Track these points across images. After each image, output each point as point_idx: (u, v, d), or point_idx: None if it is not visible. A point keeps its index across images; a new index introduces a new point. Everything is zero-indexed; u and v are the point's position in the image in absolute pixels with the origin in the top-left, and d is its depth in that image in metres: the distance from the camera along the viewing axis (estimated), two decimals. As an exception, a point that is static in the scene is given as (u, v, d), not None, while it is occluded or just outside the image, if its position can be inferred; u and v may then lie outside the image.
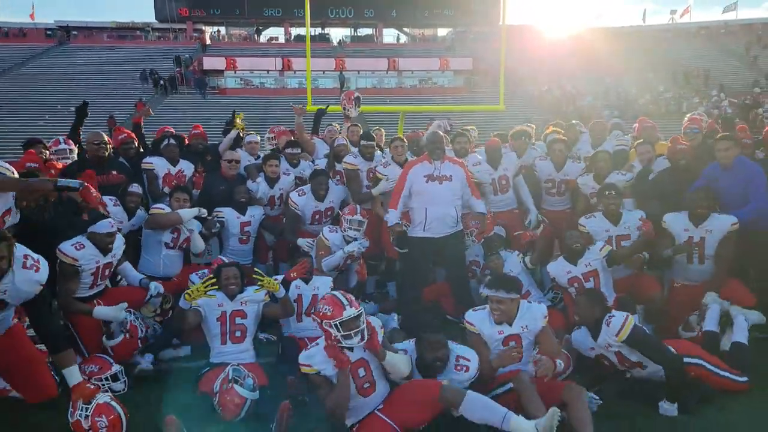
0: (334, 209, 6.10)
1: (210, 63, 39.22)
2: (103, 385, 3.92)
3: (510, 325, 3.85)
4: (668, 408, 3.69)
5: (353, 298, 3.42)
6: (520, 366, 3.81)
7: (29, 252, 3.26)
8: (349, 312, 3.29)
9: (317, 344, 3.46)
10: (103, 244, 4.41)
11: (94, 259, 4.39)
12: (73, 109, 6.35)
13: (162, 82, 34.97)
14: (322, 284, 4.91)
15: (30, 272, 3.19)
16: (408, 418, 3.35)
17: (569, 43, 43.04)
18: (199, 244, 5.36)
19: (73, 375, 3.36)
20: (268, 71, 39.49)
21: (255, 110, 30.88)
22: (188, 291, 4.02)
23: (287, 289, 4.55)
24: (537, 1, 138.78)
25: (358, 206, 5.62)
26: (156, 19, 46.92)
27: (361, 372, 3.46)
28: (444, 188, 5.23)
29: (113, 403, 3.39)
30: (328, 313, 3.31)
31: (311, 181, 6.03)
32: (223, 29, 49.19)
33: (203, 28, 47.97)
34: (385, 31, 49.64)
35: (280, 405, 3.52)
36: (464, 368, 3.60)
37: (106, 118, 25.75)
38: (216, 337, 4.22)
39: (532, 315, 3.89)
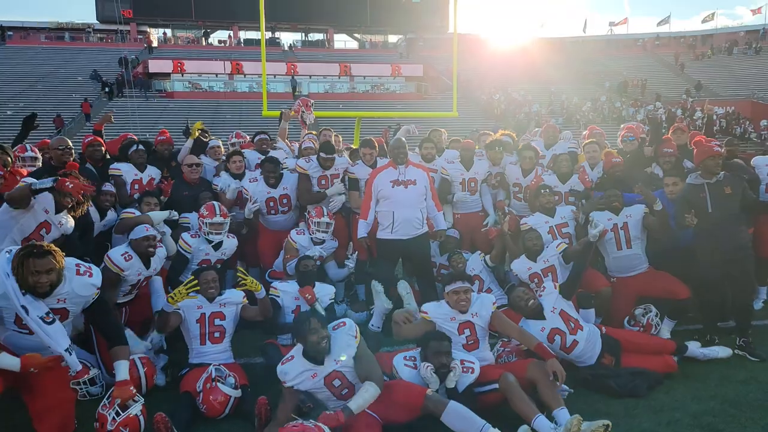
0: (290, 198, 6.15)
1: (156, 66, 38.44)
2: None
3: (461, 313, 4.18)
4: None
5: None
6: (479, 353, 4.12)
7: (79, 261, 3.43)
8: None
9: (292, 357, 3.60)
10: (143, 248, 4.60)
11: (137, 271, 4.62)
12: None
13: (108, 85, 34.02)
14: (323, 296, 4.93)
15: (85, 278, 3.37)
16: (390, 415, 3.53)
17: (515, 52, 44.37)
18: (170, 246, 5.39)
19: (122, 370, 3.51)
20: (217, 75, 39.01)
21: (204, 114, 30.47)
22: (171, 294, 4.11)
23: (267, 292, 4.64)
24: (483, 11, 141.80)
25: (324, 208, 5.74)
26: (97, 19, 45.57)
27: (336, 382, 3.62)
28: (409, 192, 5.43)
29: (141, 418, 3.46)
30: None
31: (262, 167, 6.12)
32: (169, 31, 48.17)
33: (148, 30, 46.87)
34: (336, 36, 49.82)
35: (257, 400, 3.64)
36: (470, 370, 3.85)
37: (52, 119, 24.91)
38: (196, 338, 4.29)
39: (482, 303, 4.24)
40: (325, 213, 5.66)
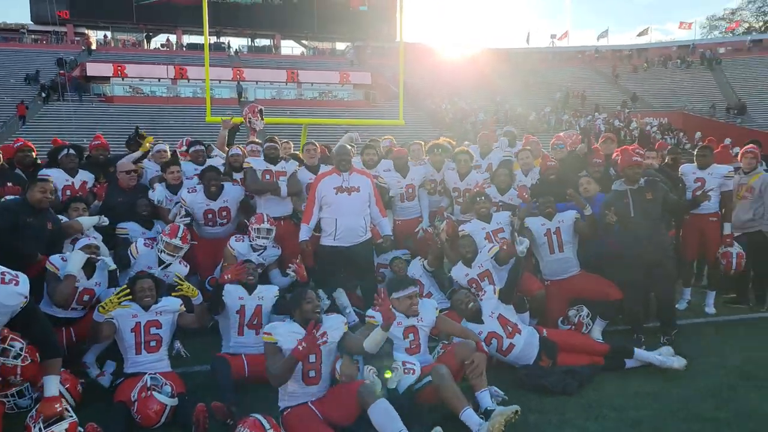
0: (230, 211, 6.05)
1: (95, 69, 37.16)
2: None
3: (408, 317, 4.27)
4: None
5: (276, 424, 3.51)
6: (420, 357, 4.22)
7: (5, 269, 3.25)
8: None
9: (284, 321, 3.74)
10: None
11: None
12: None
13: (45, 87, 32.68)
14: (268, 293, 4.79)
15: (10, 286, 3.18)
16: (334, 415, 3.59)
17: (462, 62, 45.25)
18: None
19: (51, 386, 3.37)
20: (159, 79, 38.03)
21: (146, 120, 29.64)
22: (102, 303, 4.01)
23: (221, 295, 4.52)
24: (430, 20, 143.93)
25: (265, 215, 5.68)
26: (32, 20, 43.69)
27: (311, 358, 3.67)
28: (353, 199, 5.47)
29: None
30: None
31: (201, 177, 6.00)
32: (108, 34, 46.64)
33: (86, 32, 45.27)
34: (284, 42, 49.47)
35: (195, 407, 3.61)
36: (411, 371, 3.95)
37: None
38: (130, 348, 4.19)
39: (425, 307, 4.35)
40: (266, 219, 5.59)
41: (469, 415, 3.63)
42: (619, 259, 5.34)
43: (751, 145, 6.73)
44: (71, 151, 5.89)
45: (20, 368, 3.48)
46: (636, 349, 4.74)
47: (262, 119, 7.23)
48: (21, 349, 3.51)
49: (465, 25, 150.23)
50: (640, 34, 54.20)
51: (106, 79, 36.75)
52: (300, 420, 3.58)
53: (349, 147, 5.86)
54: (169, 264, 5.16)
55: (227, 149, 6.80)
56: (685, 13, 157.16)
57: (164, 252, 5.11)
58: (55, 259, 4.54)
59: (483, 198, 5.83)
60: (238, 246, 5.49)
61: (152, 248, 5.20)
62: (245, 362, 4.46)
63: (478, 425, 3.54)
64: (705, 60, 46.28)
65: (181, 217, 5.67)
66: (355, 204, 5.50)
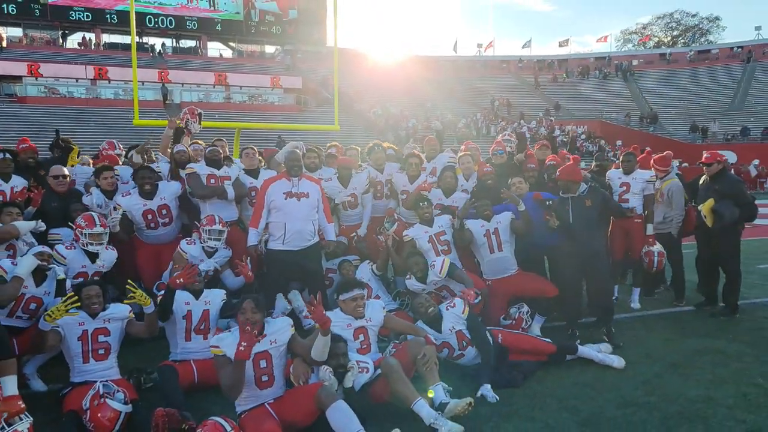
0: (170, 209, 5.95)
1: (6, 68, 34.86)
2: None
3: (356, 319, 4.39)
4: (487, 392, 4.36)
5: (236, 426, 3.51)
6: (370, 356, 4.33)
7: None
8: None
9: (230, 332, 3.70)
10: None
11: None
12: None
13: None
14: (214, 298, 4.76)
15: None
16: (291, 416, 3.63)
17: (391, 68, 45.78)
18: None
19: (11, 385, 3.33)
20: (77, 80, 36.18)
21: (64, 121, 28.19)
22: (49, 311, 3.89)
23: (172, 301, 4.44)
24: (359, 26, 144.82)
25: (216, 216, 5.63)
26: (-66, 14, 40.58)
27: (263, 363, 3.71)
28: (302, 204, 5.50)
29: None
30: None
31: (134, 177, 5.87)
32: (19, 31, 43.87)
33: (-6, 27, 42.46)
34: (210, 44, 48.31)
35: (154, 412, 3.56)
36: (365, 369, 4.05)
37: None
38: (77, 356, 4.07)
39: (373, 308, 4.50)
40: (217, 220, 5.54)
41: (421, 406, 3.75)
42: (556, 254, 5.70)
43: (667, 152, 7.30)
44: (7, 155, 5.62)
45: None
46: (579, 347, 5.06)
47: (200, 123, 7.11)
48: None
49: (394, 32, 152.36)
50: (561, 45, 56.88)
51: (17, 79, 34.59)
52: (257, 420, 3.61)
53: (299, 153, 5.88)
54: (97, 254, 5.07)
55: (172, 147, 6.65)
56: (602, 26, 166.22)
57: (91, 243, 4.98)
58: (3, 262, 4.38)
59: (425, 203, 6.00)
60: (190, 249, 5.43)
61: (75, 248, 5.03)
62: (194, 368, 4.44)
63: (434, 417, 3.68)
64: (620, 71, 49.16)
65: (113, 216, 5.47)
66: (304, 209, 5.53)
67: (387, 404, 4.04)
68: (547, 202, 5.65)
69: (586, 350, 5.04)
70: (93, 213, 5.10)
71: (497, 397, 4.28)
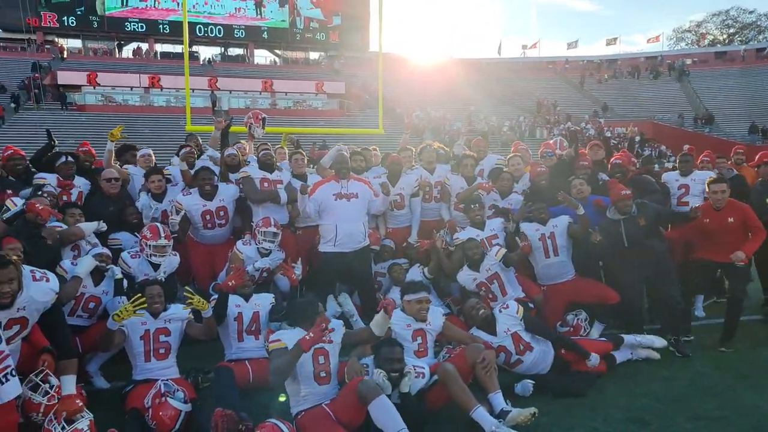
0: (227, 210, 6.01)
1: (67, 77, 36.40)
2: None
3: (417, 321, 4.36)
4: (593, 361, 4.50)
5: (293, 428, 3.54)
6: (426, 361, 4.27)
7: (33, 267, 3.34)
8: None
9: (292, 329, 3.80)
10: None
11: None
12: None
13: (15, 96, 31.97)
14: (263, 301, 4.85)
15: (42, 283, 3.27)
16: (344, 416, 3.59)
17: (432, 71, 45.52)
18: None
19: (70, 384, 3.40)
20: (132, 88, 37.48)
21: (119, 129, 29.10)
22: (117, 312, 3.98)
23: (226, 304, 4.54)
24: (400, 30, 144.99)
25: (272, 218, 5.66)
26: (-1, 28, 42.68)
27: (321, 359, 3.74)
28: (352, 205, 5.52)
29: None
30: None
31: (195, 178, 5.95)
32: (79, 42, 45.79)
33: (56, 39, 44.37)
34: (257, 51, 49.24)
35: (214, 412, 3.58)
36: (421, 375, 4.01)
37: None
38: (139, 355, 4.16)
39: (433, 313, 4.46)
40: (273, 223, 5.59)
41: (481, 414, 3.65)
42: (614, 259, 5.51)
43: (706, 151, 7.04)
44: (69, 158, 5.83)
45: (44, 406, 3.43)
46: (624, 337, 4.99)
47: (264, 128, 7.16)
48: (51, 387, 3.49)
49: (434, 35, 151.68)
50: (608, 43, 55.43)
51: (76, 88, 36.06)
52: (315, 421, 3.59)
53: (346, 155, 5.87)
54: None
55: (222, 150, 6.71)
56: (650, 24, 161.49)
57: (154, 255, 5.04)
58: (64, 263, 4.55)
59: (476, 205, 5.90)
60: (246, 249, 5.50)
61: (139, 257, 5.12)
62: (249, 369, 4.49)
63: (495, 425, 3.57)
64: (673, 71, 47.55)
65: (172, 218, 5.54)
66: (354, 209, 5.55)
67: (443, 410, 3.96)
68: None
69: (630, 338, 5.00)
70: (158, 225, 5.19)
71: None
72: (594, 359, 4.58)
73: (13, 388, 3.06)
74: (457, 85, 41.92)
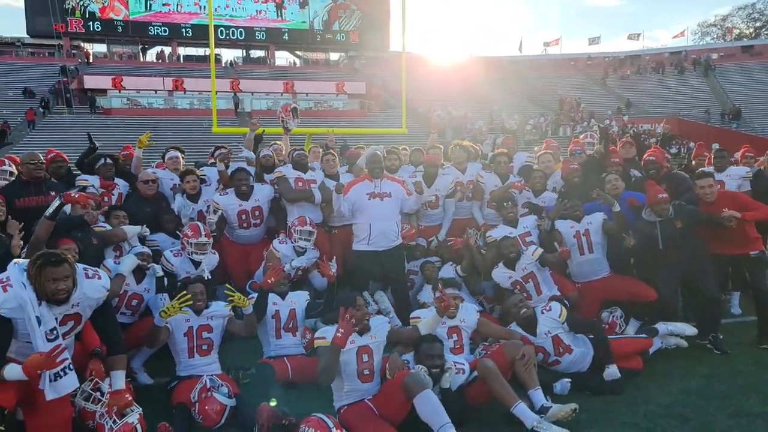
0: (262, 210, 6.08)
1: (93, 81, 37.08)
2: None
3: (451, 318, 4.42)
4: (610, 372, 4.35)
5: (338, 422, 3.54)
6: (464, 357, 4.32)
7: (84, 265, 3.44)
8: None
9: (334, 326, 3.78)
10: None
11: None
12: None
13: (44, 100, 32.73)
14: (299, 298, 4.98)
15: (95, 281, 3.36)
16: (387, 411, 3.64)
17: (452, 70, 45.35)
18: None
19: (119, 380, 3.49)
20: (156, 91, 38.05)
21: (144, 131, 29.41)
22: (164, 309, 4.10)
23: (266, 301, 4.66)
24: (420, 30, 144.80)
25: (307, 217, 5.75)
26: (27, 34, 43.60)
27: (365, 358, 3.81)
28: (385, 204, 5.57)
29: (139, 427, 3.43)
30: None
31: (232, 178, 6.04)
32: (104, 47, 46.65)
33: (81, 44, 45.24)
34: (278, 53, 49.60)
35: (259, 407, 3.66)
36: (461, 371, 4.05)
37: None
38: (183, 351, 4.26)
39: (467, 310, 4.57)
40: (308, 221, 5.67)
41: (522, 410, 3.66)
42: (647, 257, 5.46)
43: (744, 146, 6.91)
44: (108, 160, 5.98)
45: (99, 414, 3.53)
46: (659, 327, 4.99)
47: (297, 118, 7.15)
48: (103, 395, 3.59)
49: (453, 34, 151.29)
50: (630, 38, 54.70)
51: (102, 92, 36.73)
52: (358, 416, 3.65)
53: (380, 155, 5.91)
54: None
55: (257, 152, 6.81)
56: (673, 19, 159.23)
57: (195, 253, 5.17)
58: (107, 262, 4.73)
59: (509, 203, 5.90)
60: (282, 248, 5.61)
61: (181, 255, 5.24)
62: (289, 365, 4.58)
63: (537, 421, 3.58)
64: (698, 66, 46.68)
65: (210, 218, 5.65)
66: (387, 209, 5.60)
67: (483, 406, 3.99)
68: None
69: (663, 327, 5.00)
70: (199, 223, 5.32)
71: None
72: (611, 370, 4.38)
73: (71, 381, 3.17)
74: (477, 83, 41.75)
